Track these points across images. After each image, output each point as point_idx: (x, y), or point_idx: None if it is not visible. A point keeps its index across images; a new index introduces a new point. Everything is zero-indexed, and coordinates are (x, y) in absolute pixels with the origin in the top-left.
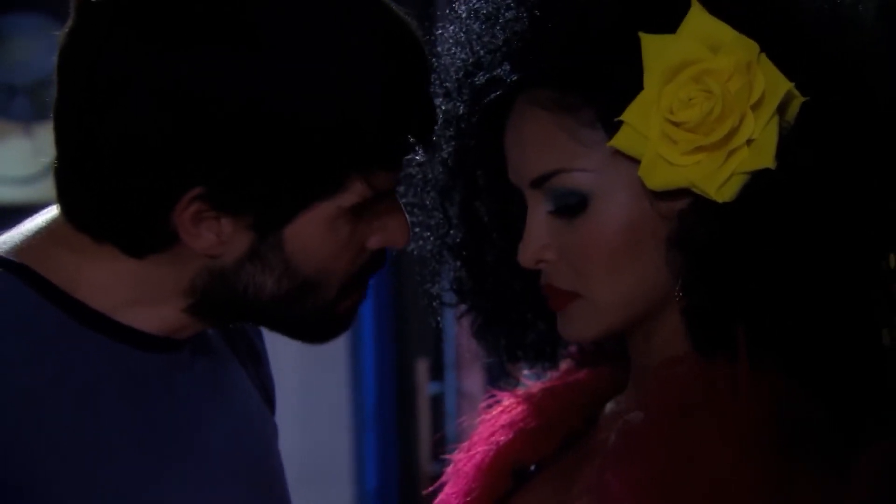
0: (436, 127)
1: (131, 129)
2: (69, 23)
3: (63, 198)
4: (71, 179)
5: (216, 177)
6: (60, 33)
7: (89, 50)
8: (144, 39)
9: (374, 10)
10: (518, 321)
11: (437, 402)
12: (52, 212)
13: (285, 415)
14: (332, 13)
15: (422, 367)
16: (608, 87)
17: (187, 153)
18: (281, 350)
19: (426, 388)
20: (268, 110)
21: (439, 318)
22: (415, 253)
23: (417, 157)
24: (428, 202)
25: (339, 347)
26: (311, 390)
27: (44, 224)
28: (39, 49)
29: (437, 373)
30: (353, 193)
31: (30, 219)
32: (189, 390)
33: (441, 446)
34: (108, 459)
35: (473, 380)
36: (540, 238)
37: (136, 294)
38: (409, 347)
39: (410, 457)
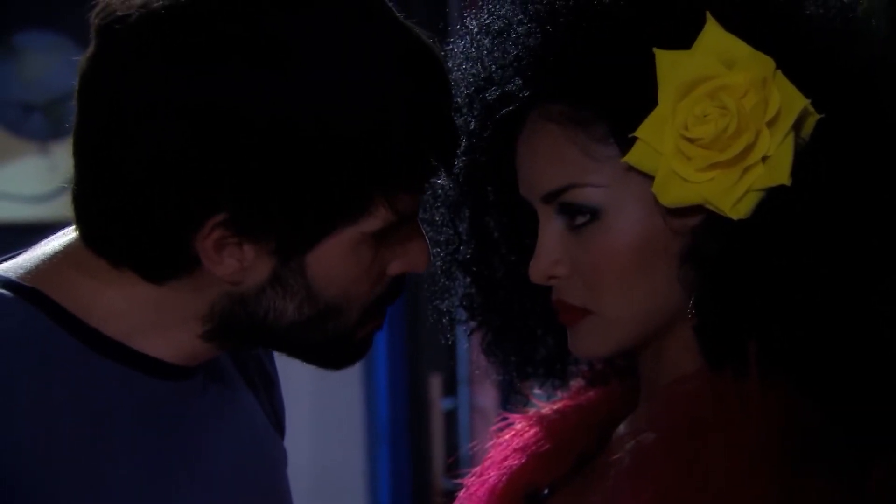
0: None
1: (156, 154)
2: (90, 47)
3: (82, 222)
4: (91, 204)
5: (241, 202)
6: (81, 58)
7: (112, 74)
8: (168, 62)
9: (397, 32)
10: (528, 337)
11: (451, 417)
12: (68, 235)
13: (299, 430)
14: (356, 34)
15: (435, 383)
16: (622, 103)
17: (213, 178)
18: (295, 366)
19: (439, 404)
20: (294, 132)
21: (450, 335)
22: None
23: (440, 181)
24: (438, 218)
25: None
26: (324, 405)
27: (60, 248)
28: (55, 67)
29: (451, 388)
30: (377, 218)
31: (45, 241)
32: (200, 417)
33: (454, 462)
34: (119, 487)
35: (487, 395)
36: (551, 253)
37: (154, 320)
38: (422, 362)
39: (423, 472)
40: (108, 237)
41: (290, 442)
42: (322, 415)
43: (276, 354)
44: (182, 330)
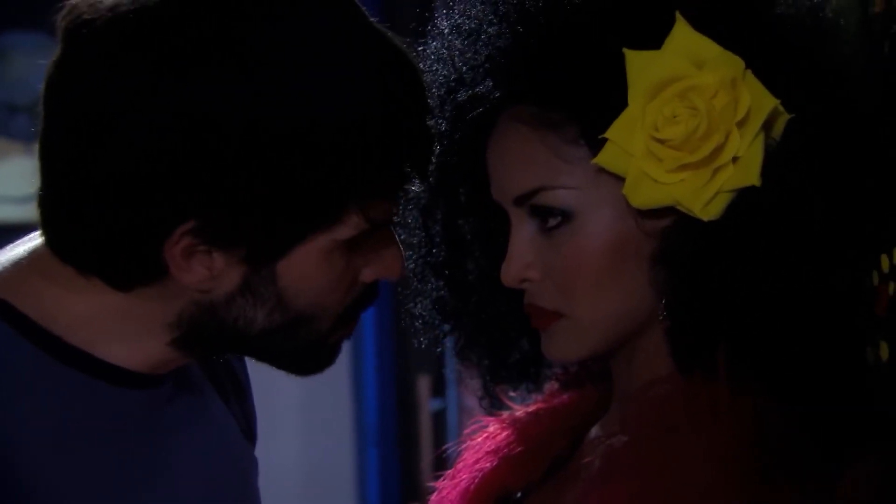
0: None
1: (124, 160)
2: (56, 52)
3: (48, 229)
4: (57, 211)
5: (210, 210)
6: (48, 62)
7: (79, 79)
8: (136, 68)
9: (371, 38)
10: (501, 341)
11: (439, 418)
12: (32, 241)
13: (288, 432)
14: (329, 41)
15: (423, 384)
16: (592, 104)
17: (181, 185)
18: None
19: (428, 405)
20: (264, 139)
21: (424, 339)
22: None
23: (413, 188)
24: (410, 220)
25: (340, 364)
26: (312, 407)
27: (24, 254)
28: (40, 67)
29: (439, 389)
30: (349, 226)
31: (9, 247)
32: (167, 426)
33: (442, 463)
34: (83, 499)
35: (475, 396)
36: (523, 256)
37: (120, 328)
38: (410, 364)
39: (412, 473)
40: (75, 244)
41: (278, 443)
42: (310, 416)
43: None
44: (150, 338)
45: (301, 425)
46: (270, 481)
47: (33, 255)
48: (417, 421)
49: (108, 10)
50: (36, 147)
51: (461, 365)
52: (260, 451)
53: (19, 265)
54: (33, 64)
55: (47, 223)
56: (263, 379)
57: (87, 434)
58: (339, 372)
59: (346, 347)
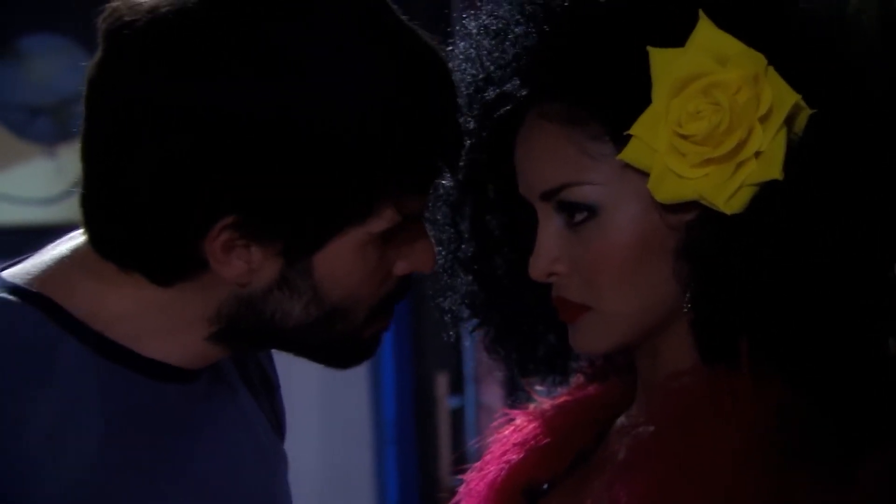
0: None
1: (165, 158)
2: (98, 53)
3: (90, 226)
4: (99, 208)
5: (249, 205)
6: (89, 63)
7: (120, 79)
8: (175, 68)
9: (402, 34)
10: (529, 334)
11: (458, 415)
12: (75, 239)
13: (306, 430)
14: (361, 38)
15: (441, 381)
16: (616, 101)
17: (221, 181)
18: (302, 366)
19: (446, 402)
20: (300, 135)
21: (453, 333)
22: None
23: (444, 182)
24: (439, 217)
25: None
26: (331, 405)
27: (67, 252)
28: (61, 70)
29: (457, 386)
30: (383, 219)
31: (51, 245)
32: (201, 420)
33: (461, 460)
34: (123, 490)
35: (493, 393)
36: (551, 251)
37: (161, 322)
38: (428, 361)
39: (431, 471)
40: (116, 241)
41: (297, 442)
42: (329, 414)
43: (280, 356)
44: (189, 332)
45: (320, 423)
46: (289, 479)
47: (75, 253)
48: (435, 418)
49: (147, 12)
50: (57, 149)
51: (486, 359)
52: None
53: (62, 263)
54: (54, 67)
55: (89, 221)
56: (282, 377)
57: (128, 426)
58: (358, 369)
59: None
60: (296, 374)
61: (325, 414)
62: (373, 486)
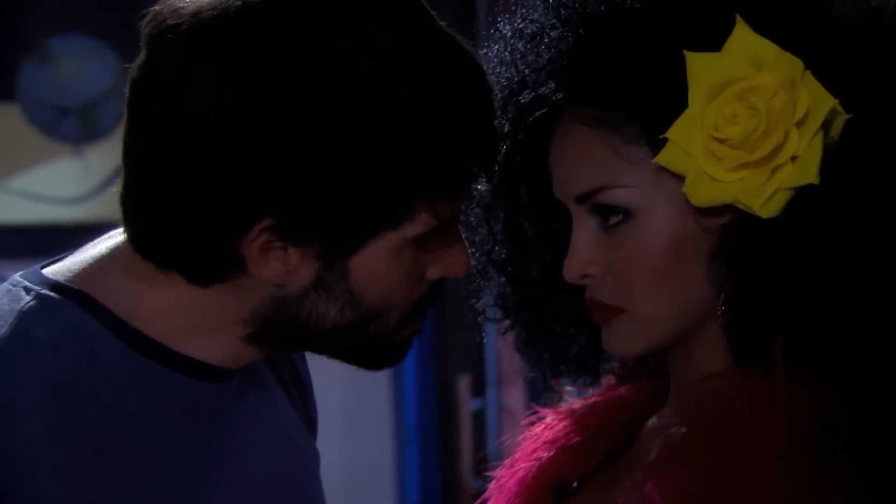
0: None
1: (206, 160)
2: (141, 55)
3: (130, 226)
4: (139, 208)
5: (287, 208)
6: (119, 65)
7: (162, 81)
8: (218, 70)
9: (440, 39)
10: (562, 335)
11: (479, 417)
12: (114, 238)
13: (329, 431)
14: (400, 42)
15: (463, 383)
16: (652, 105)
17: (260, 184)
18: (324, 367)
19: (468, 404)
20: (340, 138)
21: (483, 334)
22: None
23: (480, 188)
24: (473, 219)
25: None
26: (353, 406)
27: (106, 251)
28: (89, 70)
29: (479, 388)
30: (419, 223)
31: (91, 244)
32: (236, 419)
33: (483, 462)
34: (158, 486)
35: (515, 395)
36: (585, 253)
37: (197, 322)
38: (450, 363)
39: (452, 472)
40: (156, 241)
41: (319, 443)
42: (351, 416)
43: (306, 356)
44: (225, 332)
45: (342, 425)
46: None
47: (115, 252)
48: (457, 420)
49: (190, 16)
50: (84, 149)
51: (514, 362)
52: None
53: (101, 261)
54: (82, 67)
55: (129, 220)
56: None
57: (164, 422)
58: (380, 372)
59: None
60: (318, 376)
61: (347, 415)
62: (394, 487)
